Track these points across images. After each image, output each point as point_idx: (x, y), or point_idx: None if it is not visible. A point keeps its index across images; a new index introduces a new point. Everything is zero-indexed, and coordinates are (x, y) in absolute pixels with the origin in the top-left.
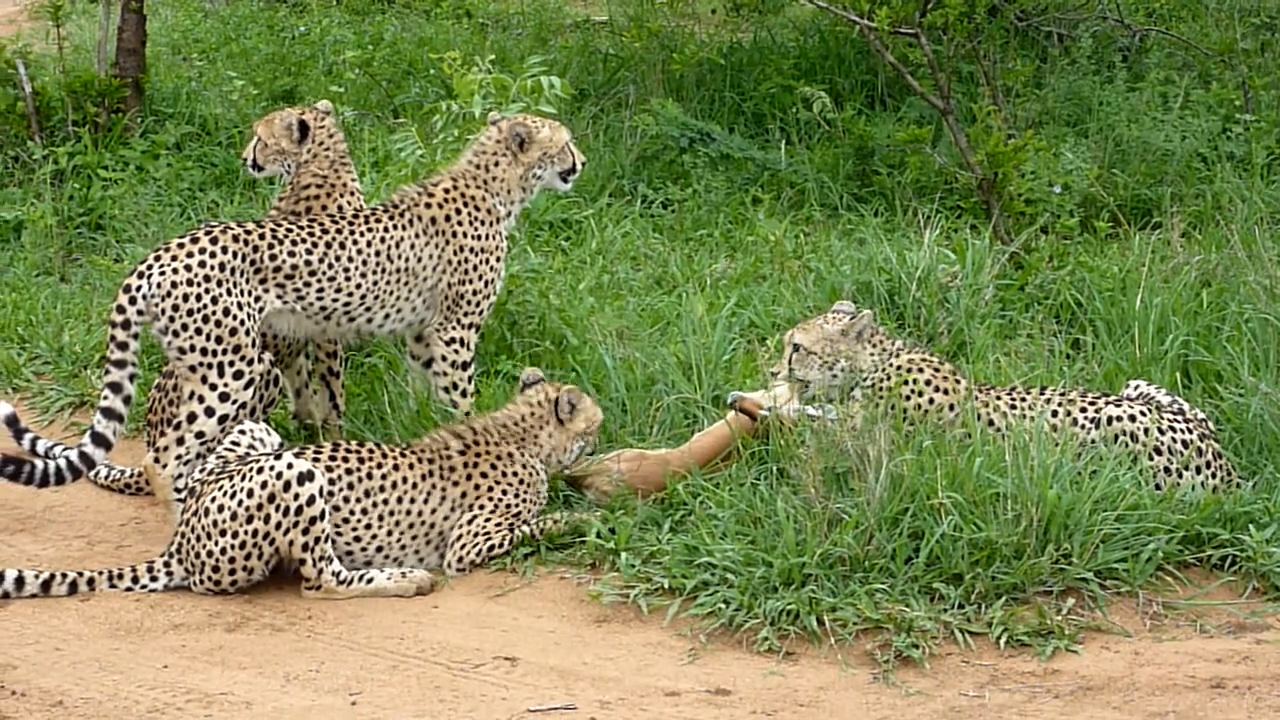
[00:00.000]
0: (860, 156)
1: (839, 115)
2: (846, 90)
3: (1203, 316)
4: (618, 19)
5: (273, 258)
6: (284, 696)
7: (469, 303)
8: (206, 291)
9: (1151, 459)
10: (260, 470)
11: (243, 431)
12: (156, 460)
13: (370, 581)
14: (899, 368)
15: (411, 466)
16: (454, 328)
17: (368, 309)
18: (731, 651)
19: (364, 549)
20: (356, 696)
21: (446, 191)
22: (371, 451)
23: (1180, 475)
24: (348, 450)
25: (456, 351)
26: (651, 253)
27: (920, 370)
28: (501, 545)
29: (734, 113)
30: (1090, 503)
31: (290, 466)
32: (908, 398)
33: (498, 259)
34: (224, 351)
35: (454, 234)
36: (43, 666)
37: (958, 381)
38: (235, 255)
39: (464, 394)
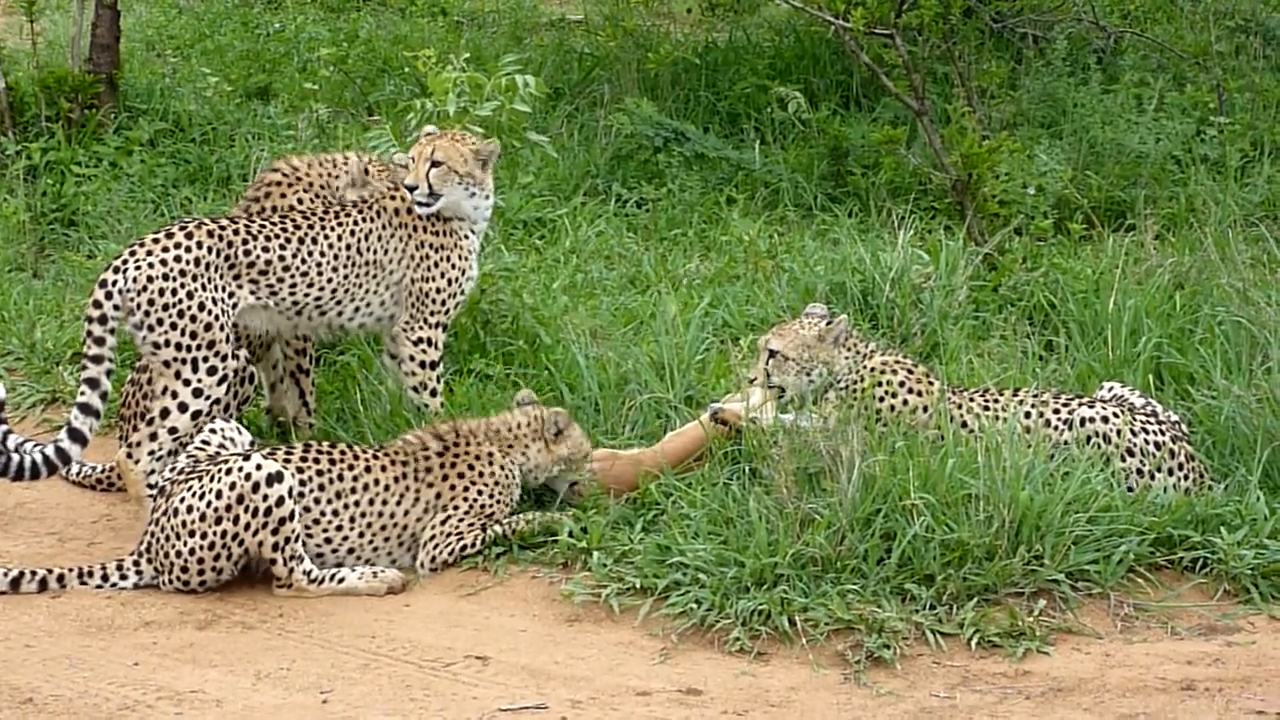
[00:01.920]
0: (835, 157)
1: (814, 115)
2: (821, 90)
3: (1175, 319)
4: (593, 18)
5: (247, 253)
6: (255, 694)
7: (434, 301)
8: (182, 286)
9: (1124, 460)
10: (229, 471)
11: (214, 430)
12: (129, 455)
13: (342, 581)
14: (872, 369)
15: (384, 469)
16: (421, 327)
17: (338, 303)
18: (703, 651)
19: (335, 550)
20: (327, 694)
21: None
22: (343, 453)
23: (1152, 477)
24: (319, 451)
25: (424, 351)
26: (625, 252)
27: (894, 372)
28: (474, 545)
29: (709, 112)
30: (1062, 504)
31: (259, 468)
32: (881, 399)
33: (460, 257)
34: (198, 347)
35: (414, 229)
36: (13, 663)
37: (931, 383)
38: (210, 250)
39: (433, 393)
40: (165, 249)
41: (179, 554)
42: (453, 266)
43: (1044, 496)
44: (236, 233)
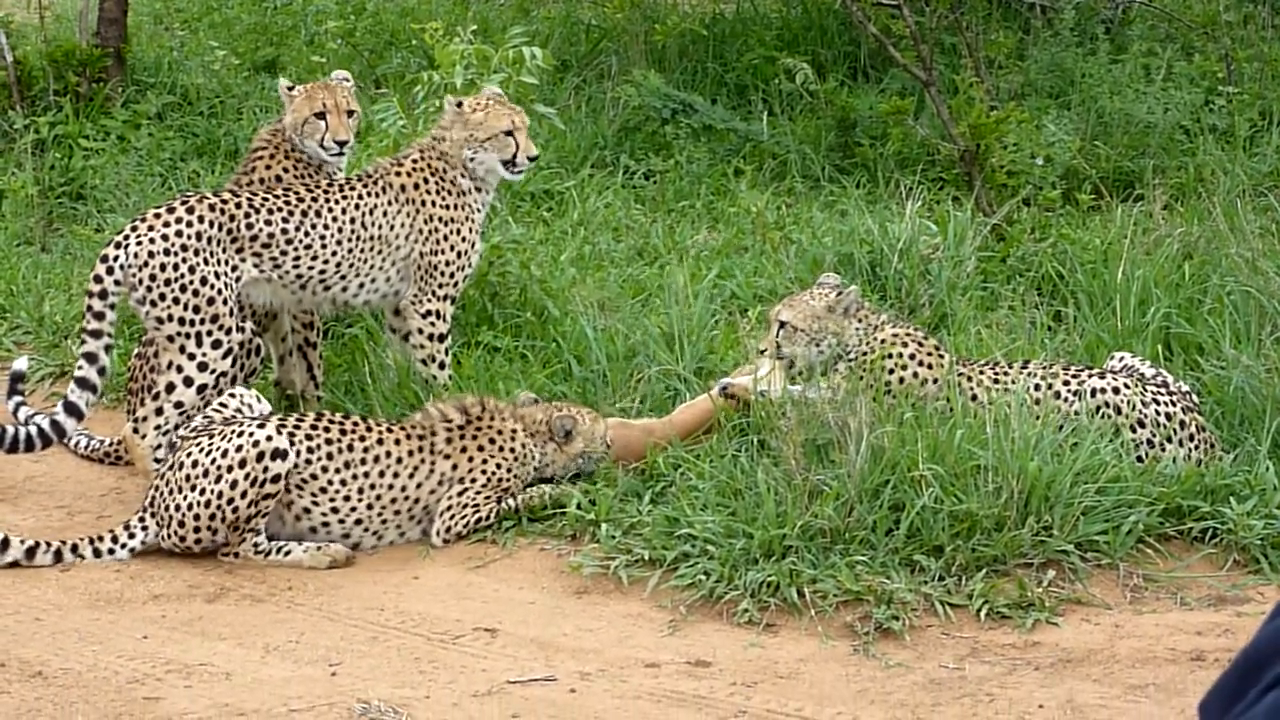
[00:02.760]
0: (842, 128)
1: (821, 87)
2: (829, 61)
3: (1184, 289)
4: None
5: (249, 227)
6: (264, 667)
7: (442, 274)
8: (184, 261)
9: (1133, 431)
10: (241, 434)
11: (232, 395)
12: (136, 430)
13: (288, 554)
14: (882, 341)
15: (398, 441)
16: (429, 300)
17: (343, 278)
18: (711, 623)
19: (341, 521)
20: (336, 667)
21: (414, 162)
22: (356, 424)
23: (1162, 448)
24: (330, 421)
25: (433, 324)
26: (633, 224)
27: (904, 344)
28: (489, 518)
29: (716, 84)
30: (1071, 475)
31: (269, 439)
32: (891, 371)
33: (469, 230)
34: (202, 321)
35: (422, 203)
36: (22, 636)
37: (941, 356)
38: (212, 224)
39: (441, 365)
40: (167, 224)
41: (178, 508)
42: (463, 240)
43: (1053, 467)
44: (239, 206)
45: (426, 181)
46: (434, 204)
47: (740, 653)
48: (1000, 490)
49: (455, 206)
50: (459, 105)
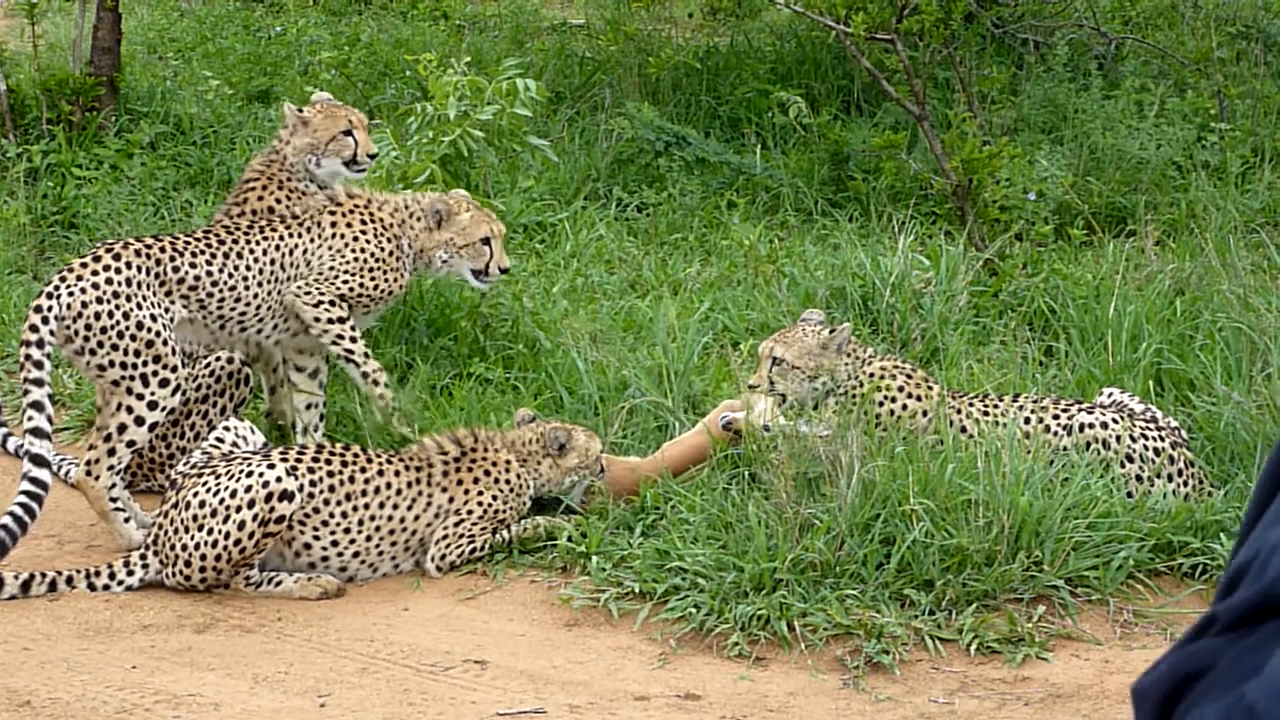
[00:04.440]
0: (835, 162)
1: (814, 120)
2: (822, 95)
3: (1176, 325)
4: (594, 22)
5: (175, 269)
6: (253, 698)
7: (341, 274)
8: (117, 308)
9: (1123, 466)
10: (249, 474)
11: (227, 428)
12: (89, 473)
13: (279, 584)
14: (871, 374)
15: (397, 473)
16: (319, 293)
17: (259, 319)
18: (701, 656)
19: (340, 554)
20: (325, 699)
21: (355, 205)
22: (356, 456)
23: (1152, 483)
24: (331, 453)
25: (328, 310)
26: (625, 256)
27: (893, 377)
28: (483, 549)
29: (710, 117)
30: (1062, 510)
31: (279, 480)
32: (880, 404)
33: (395, 277)
34: (144, 363)
35: (355, 238)
36: (10, 666)
37: (930, 388)
38: (139, 269)
39: (354, 340)
40: (95, 272)
41: (184, 547)
42: (384, 276)
43: (1043, 502)
44: (164, 249)
45: (364, 224)
46: (369, 241)
47: (730, 686)
48: (991, 525)
49: (390, 253)
50: (462, 207)
